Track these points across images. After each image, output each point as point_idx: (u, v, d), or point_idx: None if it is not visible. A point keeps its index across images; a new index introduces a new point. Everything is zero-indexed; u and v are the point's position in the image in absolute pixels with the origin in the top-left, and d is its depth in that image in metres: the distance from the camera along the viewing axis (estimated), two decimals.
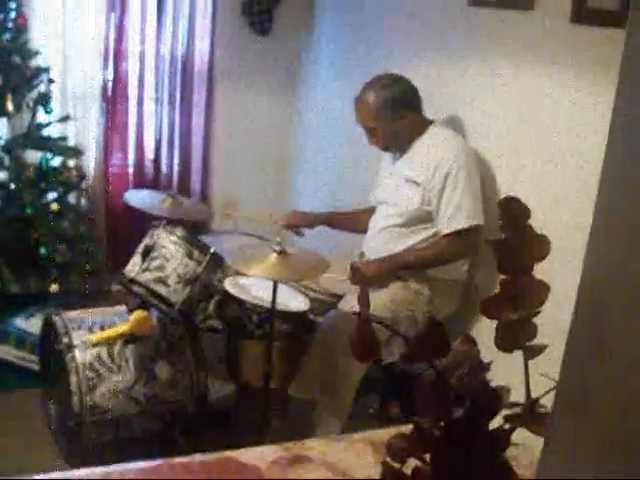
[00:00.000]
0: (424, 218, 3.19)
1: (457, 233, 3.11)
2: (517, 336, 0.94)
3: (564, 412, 0.74)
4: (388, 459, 0.96)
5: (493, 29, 3.28)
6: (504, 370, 1.10)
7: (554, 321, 1.17)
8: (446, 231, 3.13)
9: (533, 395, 0.97)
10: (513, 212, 0.93)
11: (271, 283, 2.87)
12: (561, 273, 1.67)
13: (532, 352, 0.95)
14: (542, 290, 0.94)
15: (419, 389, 0.91)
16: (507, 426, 0.95)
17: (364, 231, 3.49)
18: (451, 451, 0.87)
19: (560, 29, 2.89)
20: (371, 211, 3.50)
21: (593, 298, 0.71)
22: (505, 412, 0.96)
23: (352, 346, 0.96)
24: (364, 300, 0.97)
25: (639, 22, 0.70)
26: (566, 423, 0.74)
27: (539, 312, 0.94)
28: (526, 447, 1.28)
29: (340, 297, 3.27)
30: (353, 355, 0.98)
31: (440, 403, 0.89)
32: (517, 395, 0.98)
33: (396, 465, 0.96)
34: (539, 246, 0.92)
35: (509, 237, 0.93)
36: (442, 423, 0.89)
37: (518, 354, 0.98)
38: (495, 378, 0.97)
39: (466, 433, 0.88)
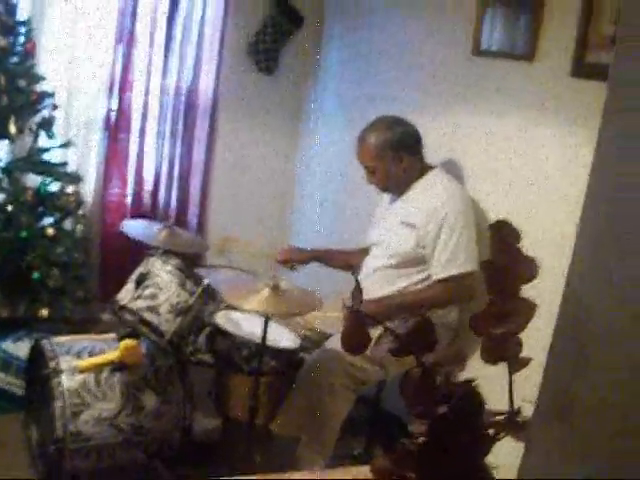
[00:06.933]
0: (417, 261, 3.20)
1: (451, 278, 3.11)
2: (502, 349, 0.95)
3: (546, 417, 0.75)
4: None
5: (494, 79, 3.33)
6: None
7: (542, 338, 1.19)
8: (440, 276, 3.13)
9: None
10: (503, 235, 0.94)
11: (262, 320, 2.86)
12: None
13: (517, 365, 0.96)
14: (529, 309, 0.95)
15: (407, 384, 0.92)
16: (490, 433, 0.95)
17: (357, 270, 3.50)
18: (435, 451, 0.87)
19: (559, 82, 2.95)
20: (365, 251, 3.51)
21: (576, 307, 0.72)
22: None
23: (343, 340, 0.97)
24: (357, 295, 0.97)
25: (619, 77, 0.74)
26: (547, 428, 0.74)
27: (524, 328, 0.95)
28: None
29: (329, 336, 3.26)
30: (343, 348, 0.99)
31: (427, 398, 0.90)
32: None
33: None
34: (528, 268, 0.93)
35: (497, 259, 0.94)
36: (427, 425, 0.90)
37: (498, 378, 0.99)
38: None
39: (451, 431, 0.88)
